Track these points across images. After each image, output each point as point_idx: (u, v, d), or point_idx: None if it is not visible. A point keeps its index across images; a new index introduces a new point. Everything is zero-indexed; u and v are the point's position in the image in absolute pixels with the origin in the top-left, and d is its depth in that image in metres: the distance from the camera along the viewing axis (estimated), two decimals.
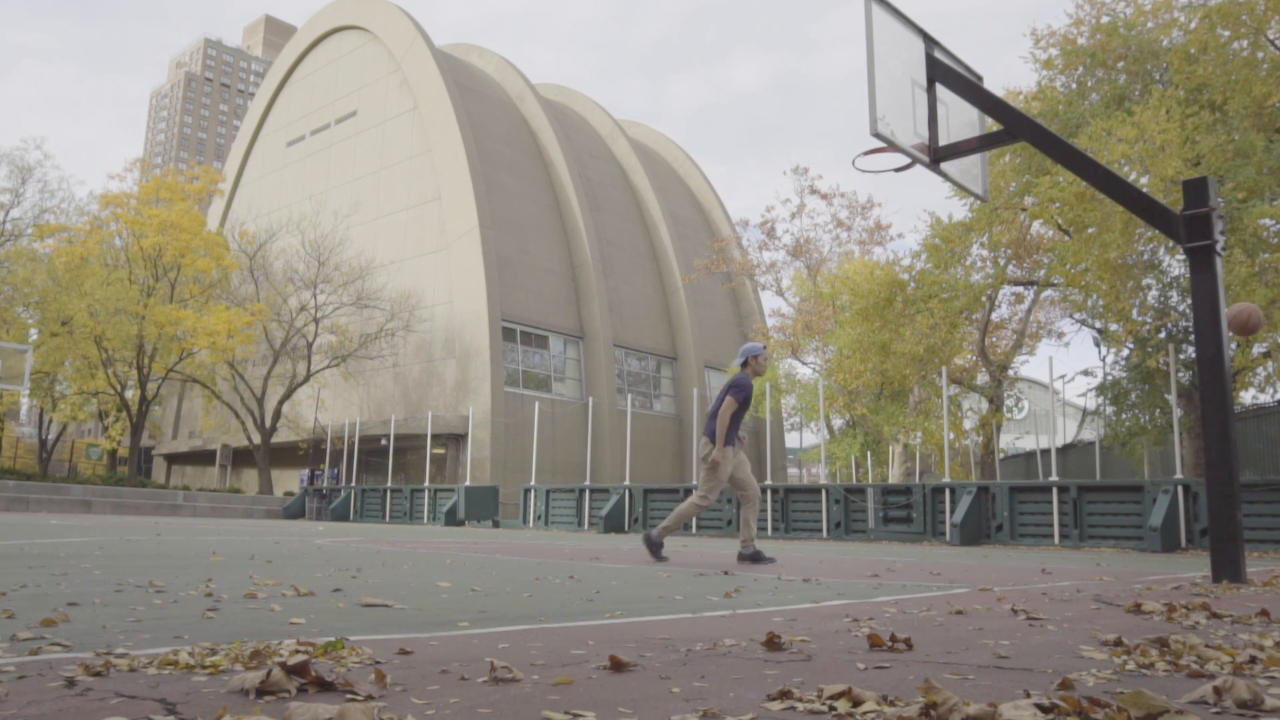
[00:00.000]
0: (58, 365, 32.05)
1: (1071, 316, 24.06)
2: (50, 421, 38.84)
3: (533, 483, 21.84)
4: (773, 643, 2.39)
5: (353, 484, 26.96)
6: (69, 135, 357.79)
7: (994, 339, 26.16)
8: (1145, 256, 16.44)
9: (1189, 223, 5.60)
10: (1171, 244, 14.62)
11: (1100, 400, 19.99)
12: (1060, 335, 28.67)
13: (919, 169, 6.31)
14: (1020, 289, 24.08)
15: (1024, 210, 18.43)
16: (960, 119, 6.50)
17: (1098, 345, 20.84)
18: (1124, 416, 18.15)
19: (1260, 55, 14.95)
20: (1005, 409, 24.60)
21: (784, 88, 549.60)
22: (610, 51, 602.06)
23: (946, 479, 15.51)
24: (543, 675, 1.89)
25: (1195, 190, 5.66)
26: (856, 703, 1.60)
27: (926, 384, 23.17)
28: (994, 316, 24.29)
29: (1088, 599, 4.10)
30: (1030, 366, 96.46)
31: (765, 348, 7.52)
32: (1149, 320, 16.56)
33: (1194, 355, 11.62)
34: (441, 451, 33.40)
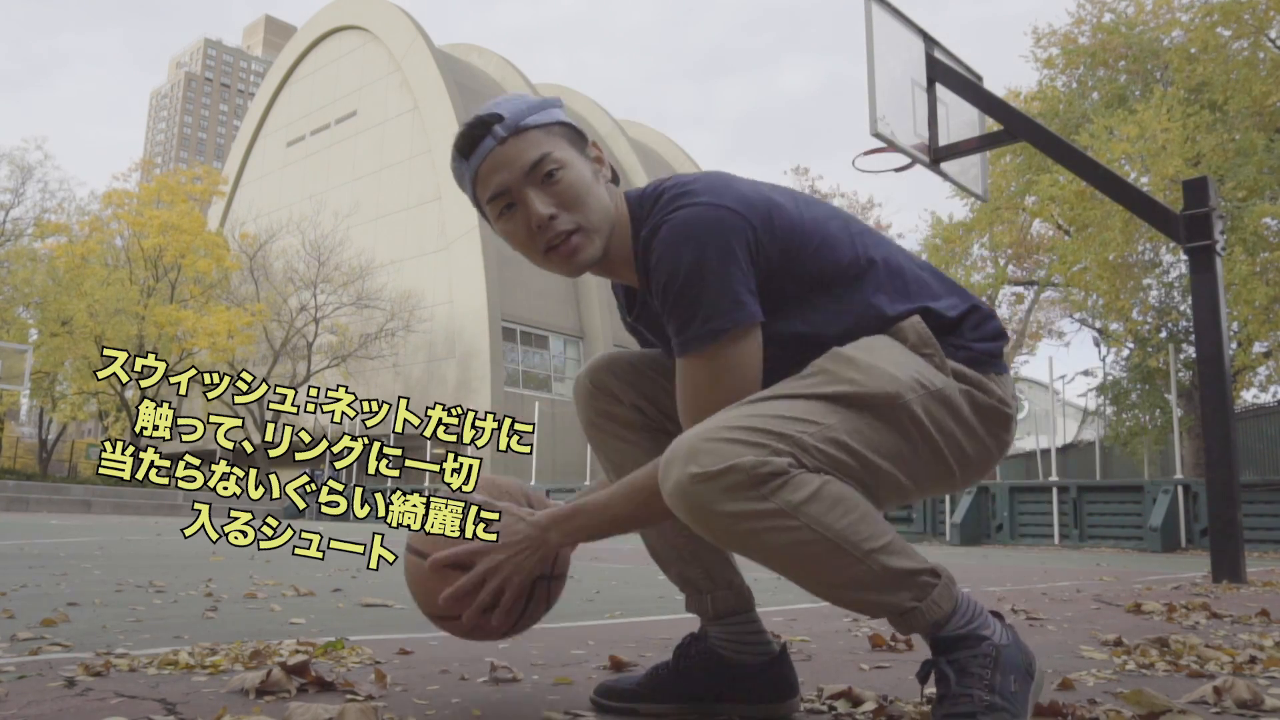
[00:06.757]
0: (58, 365, 32.05)
1: (1071, 316, 24.03)
2: (50, 421, 38.82)
3: (533, 483, 21.85)
4: None
5: (353, 484, 26.95)
6: (101, 136, 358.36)
7: None
8: (1146, 256, 16.44)
9: (1189, 223, 5.60)
10: (1172, 243, 14.61)
11: (1100, 400, 19.99)
12: (1060, 335, 28.63)
13: (919, 169, 6.31)
14: (1020, 289, 24.07)
15: (1024, 210, 18.44)
16: (960, 119, 6.50)
17: (1098, 345, 20.82)
18: (1124, 416, 18.14)
19: (1261, 55, 14.96)
20: None
21: (834, 91, 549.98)
22: (664, 57, 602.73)
23: None
24: (543, 675, 1.90)
25: (1195, 190, 5.66)
26: (856, 703, 1.60)
27: None
28: None
29: (1088, 599, 4.10)
30: (1030, 367, 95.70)
31: None
32: (1149, 320, 16.57)
33: (1194, 355, 11.63)
34: (442, 452, 33.41)
